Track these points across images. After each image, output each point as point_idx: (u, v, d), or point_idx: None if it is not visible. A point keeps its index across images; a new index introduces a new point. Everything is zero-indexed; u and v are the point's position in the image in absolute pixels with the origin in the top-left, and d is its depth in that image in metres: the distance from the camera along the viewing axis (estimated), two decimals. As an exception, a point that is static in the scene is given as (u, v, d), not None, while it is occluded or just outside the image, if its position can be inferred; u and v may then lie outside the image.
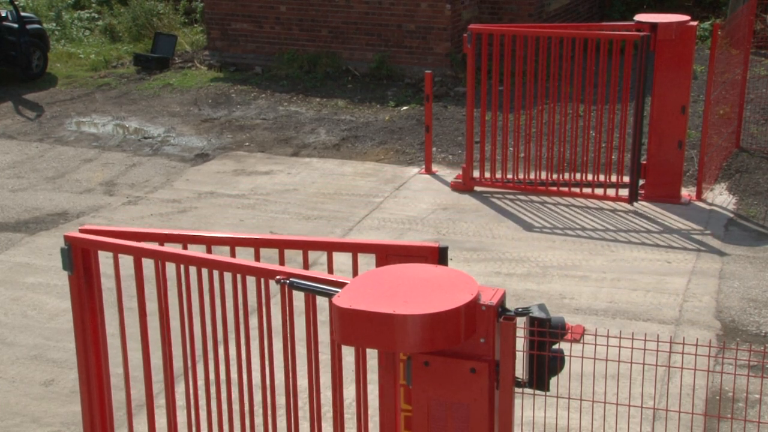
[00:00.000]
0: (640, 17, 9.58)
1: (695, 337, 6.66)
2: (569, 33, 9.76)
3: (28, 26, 15.26)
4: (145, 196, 10.32)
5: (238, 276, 4.39)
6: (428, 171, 10.82)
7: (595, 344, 4.10)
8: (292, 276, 3.96)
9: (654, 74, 9.42)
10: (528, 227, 9.16)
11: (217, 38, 16.19)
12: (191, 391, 4.73)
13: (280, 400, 5.94)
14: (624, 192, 9.84)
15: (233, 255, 4.43)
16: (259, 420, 5.41)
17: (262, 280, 4.23)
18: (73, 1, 20.47)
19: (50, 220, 9.68)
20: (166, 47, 16.45)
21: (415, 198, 10.05)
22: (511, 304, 3.88)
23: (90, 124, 13.27)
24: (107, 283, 4.94)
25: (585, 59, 13.22)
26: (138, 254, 4.46)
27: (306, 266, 4.39)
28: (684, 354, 4.19)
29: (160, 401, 5.73)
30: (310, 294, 4.01)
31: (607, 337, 4.12)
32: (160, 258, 4.40)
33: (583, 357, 4.27)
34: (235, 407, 4.65)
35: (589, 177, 9.98)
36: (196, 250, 4.47)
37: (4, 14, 15.12)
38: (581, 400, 4.63)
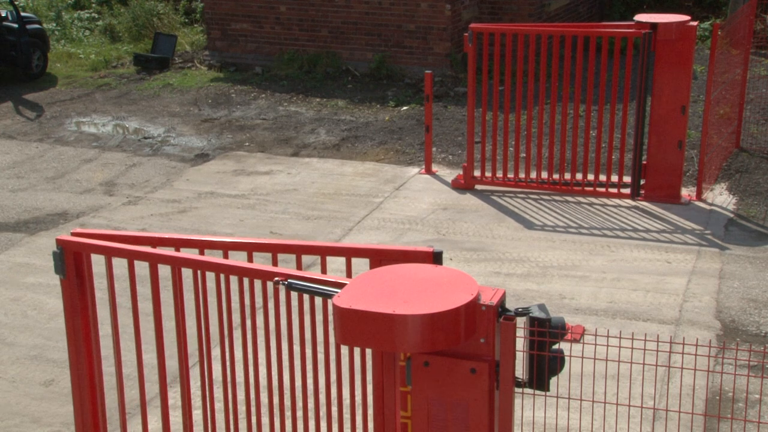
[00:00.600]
0: (640, 17, 9.58)
1: (695, 337, 6.66)
2: (570, 31, 9.77)
3: (28, 26, 15.26)
4: (145, 196, 10.32)
5: (233, 278, 4.37)
6: (428, 171, 10.82)
7: (595, 344, 4.10)
8: (290, 277, 3.96)
9: (654, 74, 9.42)
10: (528, 227, 9.16)
11: (217, 38, 16.19)
12: (186, 393, 4.70)
13: (278, 400, 5.95)
14: (625, 189, 9.86)
15: (226, 258, 4.42)
16: (250, 420, 5.42)
17: (253, 281, 4.23)
18: (73, 1, 20.46)
19: (50, 220, 9.68)
20: (166, 47, 16.45)
21: (415, 198, 10.05)
22: (511, 304, 3.88)
23: (90, 124, 13.27)
24: (103, 286, 4.92)
25: (586, 59, 13.23)
26: (131, 257, 4.44)
27: (300, 270, 4.38)
28: (684, 354, 4.19)
29: (155, 403, 5.73)
30: (308, 295, 4.01)
31: (607, 337, 4.12)
32: (154, 261, 4.38)
33: (583, 357, 4.27)
34: (225, 407, 4.63)
35: (590, 177, 9.99)
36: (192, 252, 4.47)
37: (4, 14, 15.13)
38: (581, 400, 4.63)
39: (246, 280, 4.43)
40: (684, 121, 9.49)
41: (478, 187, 10.25)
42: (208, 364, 4.58)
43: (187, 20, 18.73)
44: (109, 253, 4.49)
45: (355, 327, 3.51)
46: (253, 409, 5.01)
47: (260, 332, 5.96)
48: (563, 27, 10.43)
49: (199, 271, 4.44)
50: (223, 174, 10.99)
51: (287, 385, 5.40)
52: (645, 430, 5.83)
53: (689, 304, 7.51)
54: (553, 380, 3.78)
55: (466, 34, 9.80)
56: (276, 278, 3.96)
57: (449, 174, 10.70)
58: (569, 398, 4.68)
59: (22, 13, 15.58)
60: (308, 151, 11.80)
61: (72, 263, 4.52)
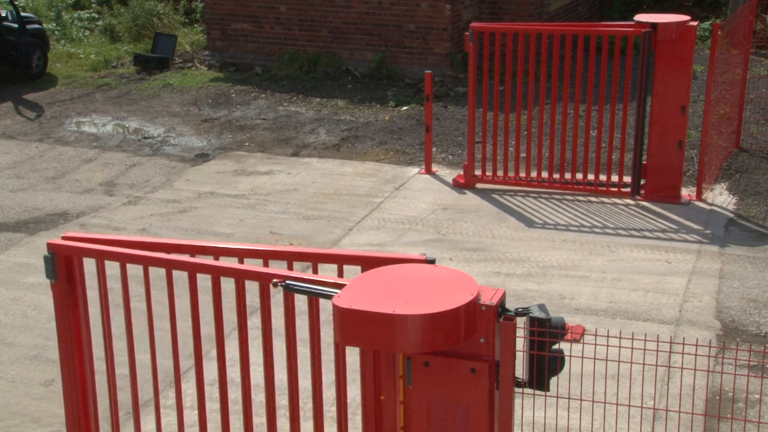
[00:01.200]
0: (640, 17, 9.58)
1: (695, 337, 6.66)
2: (571, 30, 9.77)
3: (28, 26, 15.26)
4: (145, 196, 10.32)
5: (229, 280, 4.34)
6: (428, 171, 10.82)
7: (595, 344, 4.10)
8: (288, 278, 3.96)
9: (654, 74, 9.42)
10: (528, 226, 9.16)
11: (217, 38, 16.19)
12: (179, 396, 4.69)
13: (280, 401, 5.94)
14: (625, 189, 9.86)
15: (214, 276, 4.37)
16: (256, 420, 5.42)
17: (244, 283, 4.22)
18: (73, 1, 20.47)
19: (50, 220, 9.68)
20: (166, 47, 16.46)
21: (415, 198, 10.05)
22: (511, 304, 3.88)
23: (90, 124, 13.27)
24: (96, 288, 4.89)
25: (586, 59, 13.24)
26: (123, 260, 4.42)
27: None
28: (684, 354, 4.19)
29: (150, 406, 5.72)
30: (307, 296, 4.01)
31: (607, 337, 4.12)
32: (146, 264, 4.36)
33: (583, 357, 4.27)
34: (222, 408, 4.62)
35: (590, 177, 9.99)
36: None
37: (4, 14, 15.13)
38: (581, 400, 4.63)
39: (245, 282, 4.41)
40: (684, 121, 9.49)
41: (479, 185, 10.26)
42: (199, 368, 4.55)
43: (187, 20, 18.73)
44: (100, 257, 4.45)
45: (355, 327, 3.51)
46: (250, 410, 5.00)
47: (256, 333, 5.95)
48: (564, 26, 10.43)
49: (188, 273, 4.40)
50: (223, 174, 10.99)
51: (284, 386, 5.39)
52: (645, 430, 5.83)
53: (689, 304, 7.51)
54: (553, 380, 3.78)
55: (467, 33, 9.80)
56: (274, 280, 3.96)
57: (449, 174, 10.70)
58: (569, 398, 4.68)
59: (22, 13, 15.58)
60: (308, 151, 11.80)
61: (63, 267, 4.48)
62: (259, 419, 5.74)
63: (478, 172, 10.29)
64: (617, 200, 9.82)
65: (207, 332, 4.85)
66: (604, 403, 4.29)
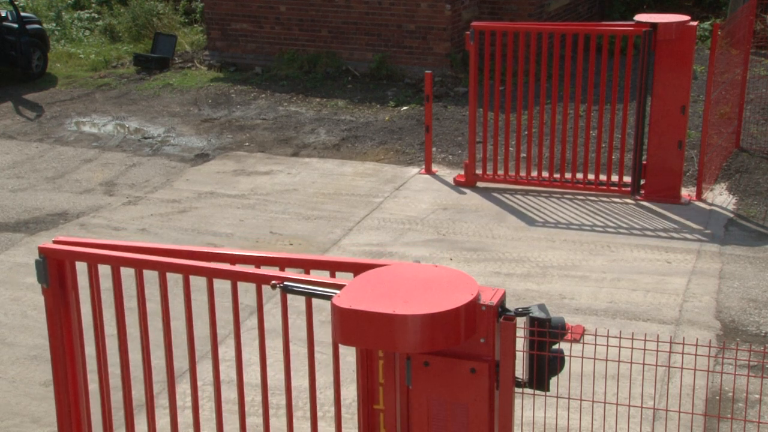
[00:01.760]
0: (640, 17, 9.58)
1: (695, 337, 6.66)
2: (572, 29, 9.78)
3: (28, 26, 15.26)
4: (145, 196, 10.32)
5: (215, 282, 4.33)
6: (428, 171, 10.82)
7: (595, 344, 4.10)
8: (286, 280, 3.96)
9: (654, 74, 9.42)
10: (528, 226, 9.16)
11: (217, 38, 16.19)
12: (173, 399, 4.67)
13: (280, 401, 5.94)
14: (626, 189, 9.87)
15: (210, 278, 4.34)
16: (253, 420, 5.42)
17: (236, 284, 4.21)
18: (73, 1, 20.47)
19: (50, 220, 9.68)
20: (166, 47, 16.45)
21: (415, 198, 10.05)
22: (511, 304, 3.88)
23: (90, 124, 13.27)
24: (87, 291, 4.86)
25: (587, 59, 13.24)
26: (115, 263, 4.40)
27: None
28: (684, 354, 4.19)
29: (142, 410, 5.71)
30: (305, 297, 4.01)
31: (607, 337, 4.12)
32: (138, 266, 4.33)
33: (583, 357, 4.27)
34: (217, 411, 4.60)
35: (591, 177, 10.00)
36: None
37: (4, 14, 15.13)
38: (581, 400, 4.63)
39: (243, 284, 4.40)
40: (684, 121, 9.49)
41: (480, 184, 10.26)
42: (192, 372, 4.54)
43: (187, 20, 18.73)
44: (92, 260, 4.43)
45: (355, 327, 3.51)
46: (247, 409, 5.00)
47: (253, 333, 5.96)
48: (565, 25, 10.44)
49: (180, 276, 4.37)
50: (223, 174, 10.99)
51: (280, 386, 5.39)
52: (645, 430, 5.83)
53: (689, 304, 7.51)
54: (553, 380, 3.79)
55: (468, 32, 9.81)
56: (273, 281, 3.96)
57: (449, 174, 10.70)
58: (569, 398, 4.69)
59: (22, 13, 15.58)
60: (308, 151, 11.80)
61: (55, 271, 4.45)
62: (257, 419, 5.74)
63: (478, 171, 10.29)
64: (617, 200, 9.82)
65: (205, 334, 4.85)
66: (604, 403, 4.29)
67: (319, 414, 5.86)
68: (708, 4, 17.92)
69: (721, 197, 9.80)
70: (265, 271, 4.10)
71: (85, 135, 12.76)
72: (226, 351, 6.49)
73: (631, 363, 4.20)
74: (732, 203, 9.64)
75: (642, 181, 9.77)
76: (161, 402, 6.02)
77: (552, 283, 7.93)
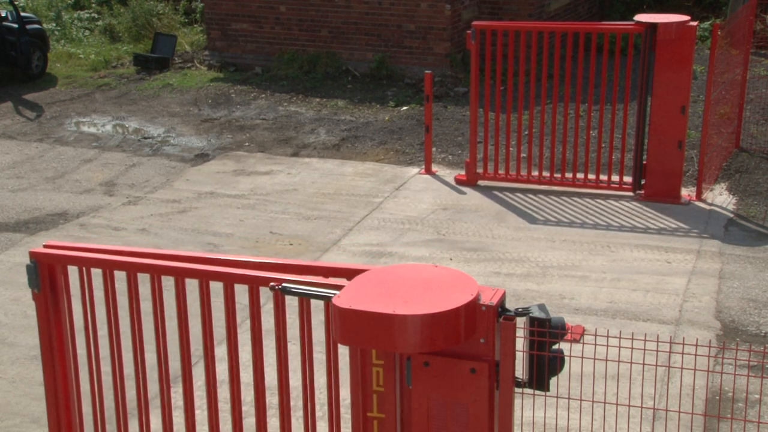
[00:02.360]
0: (640, 17, 9.58)
1: (695, 337, 6.66)
2: (573, 28, 9.78)
3: (28, 26, 15.26)
4: (145, 196, 10.32)
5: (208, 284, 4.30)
6: (428, 171, 10.82)
7: (595, 344, 4.10)
8: (283, 281, 3.96)
9: (654, 74, 9.42)
10: (528, 226, 9.16)
11: (217, 38, 16.19)
12: (168, 404, 4.66)
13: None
14: (627, 189, 9.88)
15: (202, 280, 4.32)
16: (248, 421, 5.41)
17: (233, 286, 4.20)
18: (73, 1, 20.47)
19: (50, 220, 9.68)
20: (166, 47, 16.45)
21: (415, 198, 10.05)
22: (511, 304, 3.88)
23: (90, 124, 13.27)
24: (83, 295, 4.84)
25: (587, 58, 13.24)
26: (108, 267, 4.37)
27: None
28: (684, 354, 4.19)
29: (135, 414, 5.71)
30: (303, 298, 4.00)
31: (607, 337, 4.12)
32: (130, 269, 4.31)
33: (583, 357, 4.27)
34: (210, 419, 4.59)
35: (591, 176, 10.01)
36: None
37: (4, 14, 15.13)
38: (581, 400, 4.63)
39: (242, 287, 4.38)
40: (684, 121, 9.49)
41: (481, 182, 10.27)
42: (189, 376, 4.53)
43: (187, 20, 18.73)
44: (84, 265, 4.41)
45: (355, 327, 3.51)
46: (247, 410, 4.99)
47: (247, 336, 5.95)
48: (566, 24, 10.44)
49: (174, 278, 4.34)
50: (223, 174, 10.99)
51: (275, 387, 5.39)
52: (645, 430, 5.83)
53: (689, 304, 7.51)
54: (553, 380, 3.78)
55: (469, 31, 9.81)
56: (272, 283, 3.96)
57: (449, 174, 10.70)
58: (569, 398, 4.68)
59: (22, 13, 15.58)
60: (308, 151, 11.80)
61: (46, 276, 4.43)
62: (253, 420, 5.74)
63: (479, 170, 10.30)
64: (617, 200, 9.81)
65: (200, 339, 4.84)
66: (604, 403, 4.29)
67: (319, 414, 5.86)
68: (708, 4, 17.92)
69: (721, 197, 9.80)
70: (260, 273, 4.08)
71: (85, 135, 12.76)
72: (219, 359, 6.48)
73: (631, 363, 4.20)
74: (732, 203, 9.64)
75: (642, 181, 9.78)
76: (156, 404, 6.01)
77: (552, 283, 7.93)
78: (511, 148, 10.30)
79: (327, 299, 3.83)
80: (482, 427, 3.72)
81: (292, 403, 4.50)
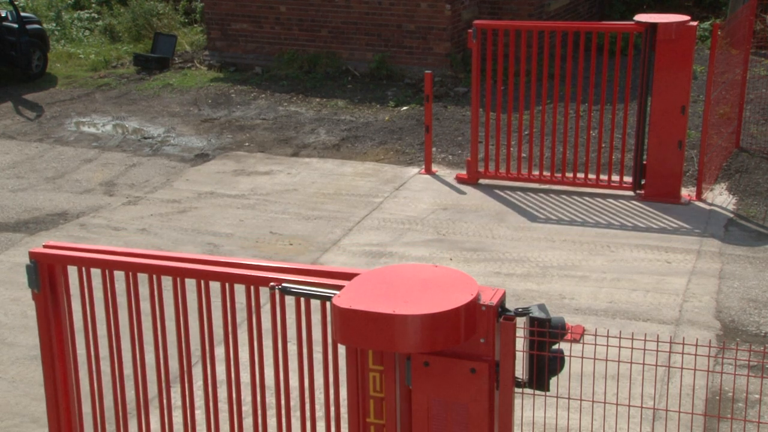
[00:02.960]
0: (640, 17, 9.58)
1: (695, 337, 6.66)
2: (574, 27, 9.78)
3: (28, 26, 15.26)
4: (145, 196, 10.32)
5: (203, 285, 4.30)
6: (428, 171, 10.82)
7: (595, 344, 4.10)
8: (283, 281, 3.96)
9: (654, 74, 9.42)
10: (528, 226, 9.16)
11: (217, 38, 16.19)
12: (168, 405, 4.66)
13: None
14: (627, 188, 9.88)
15: (201, 281, 4.32)
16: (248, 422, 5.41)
17: (233, 286, 4.20)
18: (73, 1, 20.47)
19: (50, 220, 9.68)
20: (166, 47, 16.45)
21: (415, 198, 10.05)
22: (511, 304, 3.88)
23: (90, 124, 13.27)
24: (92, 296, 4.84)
25: (588, 58, 13.23)
26: (107, 267, 4.37)
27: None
28: (684, 354, 4.19)
29: (135, 415, 5.71)
30: (303, 298, 4.00)
31: (607, 337, 4.12)
32: (130, 269, 4.32)
33: (583, 357, 4.27)
34: (207, 420, 4.59)
35: (591, 176, 10.01)
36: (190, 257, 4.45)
37: (4, 14, 15.12)
38: (581, 400, 4.63)
39: (240, 287, 4.38)
40: (684, 121, 9.49)
41: (482, 181, 10.27)
42: (188, 376, 4.53)
43: (187, 20, 18.73)
44: (83, 265, 4.41)
45: (355, 327, 3.51)
46: (247, 410, 4.99)
47: (245, 337, 5.97)
48: (567, 24, 10.45)
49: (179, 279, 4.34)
50: (223, 174, 10.99)
51: (282, 389, 5.40)
52: (645, 430, 5.83)
53: (689, 304, 7.51)
54: (553, 380, 3.78)
55: (470, 30, 9.82)
56: (271, 283, 3.96)
57: (449, 174, 10.70)
58: (569, 398, 4.68)
59: (22, 13, 15.58)
60: (308, 151, 11.80)
61: (46, 276, 4.43)
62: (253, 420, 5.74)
63: (481, 169, 10.31)
64: (618, 200, 9.81)
65: (202, 337, 4.84)
66: (604, 403, 4.29)
67: (318, 414, 5.86)
68: (708, 4, 17.91)
69: (721, 197, 9.80)
70: (259, 273, 4.09)
71: (85, 135, 12.76)
72: (218, 360, 6.48)
73: (631, 363, 4.20)
74: (732, 203, 9.64)
75: (642, 181, 9.78)
76: (156, 405, 6.01)
77: (552, 283, 7.93)
78: (511, 148, 10.30)
79: (327, 299, 3.83)
80: (482, 427, 3.72)
81: (291, 403, 4.49)
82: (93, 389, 4.67)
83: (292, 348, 4.73)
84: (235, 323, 4.32)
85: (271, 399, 5.91)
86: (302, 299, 4.06)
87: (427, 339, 3.48)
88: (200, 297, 4.30)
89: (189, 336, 4.46)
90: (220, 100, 14.22)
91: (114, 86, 15.21)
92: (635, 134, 9.76)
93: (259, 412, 4.43)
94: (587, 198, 9.92)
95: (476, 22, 9.93)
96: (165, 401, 4.61)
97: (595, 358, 4.18)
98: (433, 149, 11.40)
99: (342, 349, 4.06)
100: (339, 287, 3.79)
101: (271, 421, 5.30)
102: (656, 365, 4.25)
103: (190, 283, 4.37)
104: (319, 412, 5.89)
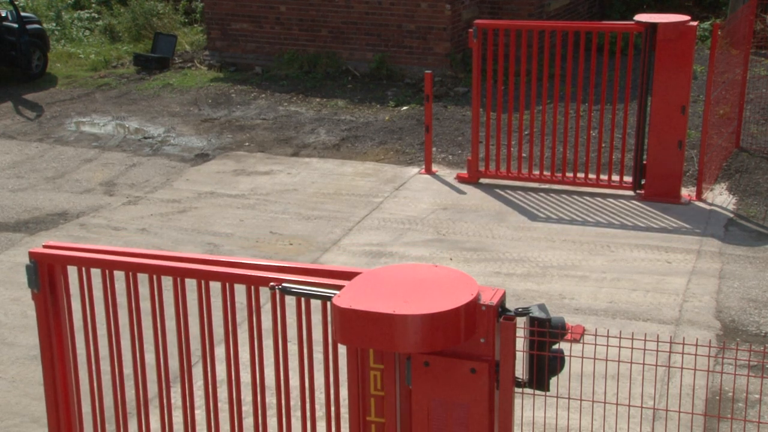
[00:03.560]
0: (640, 17, 9.59)
1: (695, 337, 6.66)
2: (574, 26, 9.78)
3: (28, 26, 15.26)
4: (145, 196, 10.32)
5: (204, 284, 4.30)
6: (428, 171, 10.82)
7: (595, 344, 4.10)
8: (283, 281, 3.96)
9: (654, 74, 9.42)
10: (528, 226, 9.16)
11: (217, 38, 16.19)
12: (168, 405, 4.66)
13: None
14: (627, 188, 9.88)
15: (201, 281, 4.33)
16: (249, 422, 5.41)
17: (233, 287, 4.20)
18: (73, 1, 20.47)
19: (50, 220, 9.69)
20: (166, 47, 16.45)
21: (415, 198, 10.05)
22: (511, 304, 3.88)
23: (90, 124, 13.27)
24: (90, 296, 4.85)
25: (588, 58, 13.24)
26: (107, 267, 4.38)
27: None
28: (684, 354, 4.19)
29: (135, 414, 5.71)
30: (303, 298, 4.00)
31: (607, 337, 4.12)
32: (130, 269, 4.32)
33: (583, 357, 4.27)
34: (207, 420, 4.59)
35: (592, 176, 10.02)
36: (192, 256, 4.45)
37: (4, 14, 15.12)
38: (581, 400, 4.63)
39: (242, 287, 4.38)
40: (684, 121, 9.49)
41: (483, 180, 10.27)
42: (188, 375, 4.53)
43: (187, 20, 18.73)
44: (83, 265, 4.41)
45: (355, 327, 3.51)
46: (241, 413, 4.99)
47: (246, 337, 5.97)
48: (567, 24, 10.45)
49: (179, 280, 4.34)
50: (223, 174, 10.99)
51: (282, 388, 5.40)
52: (645, 430, 5.83)
53: (689, 304, 7.51)
54: (553, 380, 3.79)
55: (471, 30, 9.82)
56: (271, 283, 3.96)
57: (449, 174, 10.70)
58: (569, 398, 4.69)
59: (22, 13, 15.57)
60: (308, 151, 11.80)
61: (46, 276, 4.43)
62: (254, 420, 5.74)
63: (481, 168, 10.31)
64: (618, 200, 9.81)
65: (198, 339, 4.84)
66: (604, 403, 4.30)
67: (319, 414, 5.86)
68: (708, 4, 17.92)
69: (721, 197, 9.80)
70: (260, 273, 4.09)
71: (85, 135, 12.76)
72: (218, 360, 6.48)
73: (631, 363, 4.20)
74: (732, 203, 9.64)
75: (642, 181, 9.78)
76: (156, 404, 6.01)
77: (552, 283, 7.93)
78: (512, 148, 10.30)
79: (327, 299, 3.83)
80: (482, 427, 3.72)
81: (291, 402, 4.49)
82: (93, 389, 4.67)
83: (292, 348, 4.74)
84: (234, 323, 4.32)
85: (271, 399, 5.91)
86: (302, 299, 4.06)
87: (427, 339, 3.48)
88: (201, 297, 4.30)
89: (189, 336, 4.46)
90: (220, 100, 14.22)
91: (114, 86, 15.21)
92: (635, 134, 9.76)
93: (259, 411, 4.43)
94: (587, 198, 9.93)
95: (477, 21, 9.93)
96: (165, 401, 4.61)
97: (595, 358, 4.18)
98: (433, 149, 11.40)
99: (342, 349, 4.07)
100: (339, 287, 3.79)
101: (272, 421, 5.30)
102: (656, 365, 4.25)
103: (191, 283, 4.37)
104: (319, 412, 5.89)
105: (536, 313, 3.67)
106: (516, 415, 4.00)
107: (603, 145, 10.92)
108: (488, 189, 10.19)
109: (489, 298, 3.64)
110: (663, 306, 7.49)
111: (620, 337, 4.10)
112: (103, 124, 13.21)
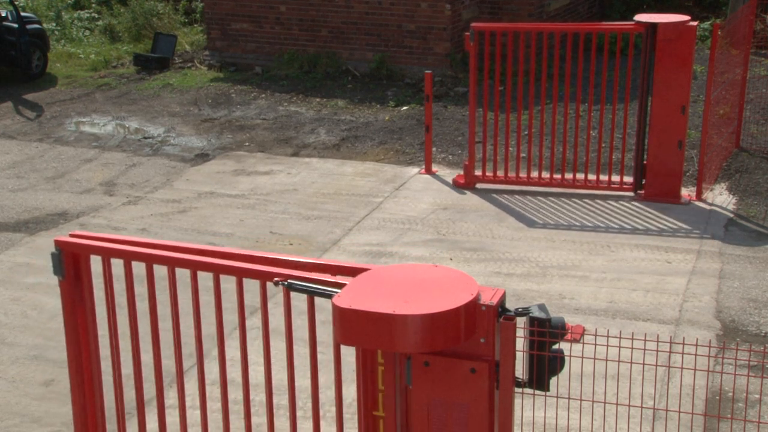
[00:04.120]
0: (640, 17, 9.58)
1: (695, 337, 6.66)
2: (572, 28, 9.77)
3: (28, 26, 15.26)
4: (145, 196, 10.33)
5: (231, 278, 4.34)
6: (428, 171, 10.82)
7: (595, 344, 4.10)
8: (289, 277, 3.96)
9: (654, 74, 9.42)
10: (528, 226, 9.17)
11: (217, 38, 16.19)
12: (181, 394, 4.69)
13: (281, 400, 5.94)
14: (627, 188, 9.88)
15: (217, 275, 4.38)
16: (256, 420, 5.41)
17: (242, 281, 4.23)
18: (73, 1, 20.47)
19: (50, 220, 9.69)
20: (166, 47, 16.45)
21: (415, 198, 10.05)
22: (511, 304, 3.88)
23: (90, 124, 13.27)
24: (104, 286, 4.90)
25: (587, 59, 13.23)
26: (129, 258, 4.46)
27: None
28: (684, 354, 4.19)
29: (154, 403, 5.72)
30: (309, 295, 4.01)
31: (607, 337, 4.12)
32: (151, 261, 4.39)
33: (583, 357, 4.27)
34: (223, 407, 4.63)
35: (591, 177, 10.01)
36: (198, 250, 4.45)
37: (4, 14, 15.12)
38: (581, 400, 4.63)
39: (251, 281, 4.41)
40: (684, 121, 9.49)
41: (479, 185, 10.26)
42: (200, 367, 4.56)
43: (187, 20, 18.73)
44: (107, 254, 4.50)
45: (355, 327, 3.51)
46: (251, 410, 5.00)
47: (258, 332, 5.96)
48: (565, 25, 10.44)
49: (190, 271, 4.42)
50: (223, 174, 10.99)
51: (285, 386, 5.40)
52: (645, 430, 5.83)
53: (689, 304, 7.51)
54: (553, 380, 3.79)
55: (468, 33, 9.81)
56: (276, 278, 3.96)
57: (449, 174, 10.70)
58: (569, 398, 4.69)
59: (22, 13, 15.58)
60: (308, 151, 11.80)
61: (71, 264, 4.54)
62: (259, 419, 5.74)
63: (478, 172, 10.29)
64: (617, 200, 9.81)
65: (210, 331, 4.86)
66: (604, 403, 4.30)
67: (321, 413, 5.86)
68: (708, 4, 17.92)
69: (721, 197, 9.80)
70: (273, 268, 4.11)
71: (85, 135, 12.76)
72: (228, 350, 6.49)
73: (631, 363, 4.21)
74: (732, 203, 9.64)
75: (642, 181, 9.78)
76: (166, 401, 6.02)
77: (552, 283, 7.93)
78: (510, 149, 10.29)
79: (331, 297, 3.84)
80: (482, 427, 3.72)
81: (296, 400, 4.50)
82: (115, 379, 4.74)
83: (297, 346, 4.74)
84: (243, 318, 4.33)
85: (279, 398, 5.91)
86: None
87: (427, 339, 3.48)
88: (217, 288, 4.37)
89: (201, 328, 4.51)
90: (220, 100, 14.22)
91: (114, 86, 15.21)
92: (636, 134, 9.76)
93: (265, 408, 4.44)
94: (587, 199, 9.92)
95: (473, 24, 9.91)
96: (176, 396, 4.64)
97: (595, 358, 4.18)
98: (433, 149, 11.40)
99: (344, 347, 4.07)
100: (344, 285, 3.79)
101: (280, 422, 5.30)
102: (656, 365, 4.25)
103: (205, 277, 4.40)
104: (324, 408, 5.89)
105: (536, 313, 3.68)
106: (516, 415, 4.00)
107: (603, 145, 10.92)
108: (486, 193, 10.18)
109: (489, 298, 3.64)
110: (663, 306, 7.49)
111: (620, 337, 4.10)
112: (103, 124, 13.21)
